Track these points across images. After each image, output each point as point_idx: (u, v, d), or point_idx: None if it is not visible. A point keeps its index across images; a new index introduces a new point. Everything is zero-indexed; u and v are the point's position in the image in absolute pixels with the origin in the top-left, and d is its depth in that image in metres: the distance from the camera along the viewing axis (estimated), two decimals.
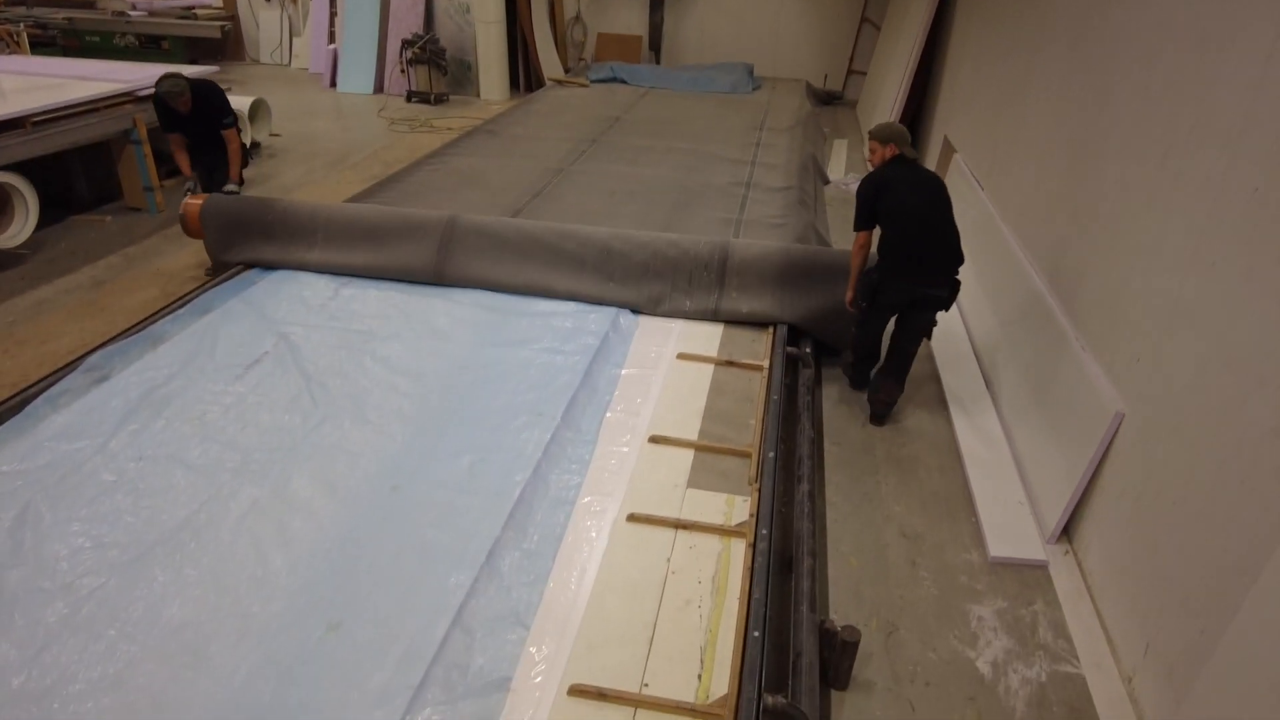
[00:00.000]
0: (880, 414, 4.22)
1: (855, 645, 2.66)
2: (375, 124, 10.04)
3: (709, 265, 4.62)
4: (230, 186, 5.58)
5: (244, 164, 6.07)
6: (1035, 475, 3.73)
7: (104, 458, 3.28)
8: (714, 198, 6.29)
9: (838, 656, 2.68)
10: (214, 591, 2.66)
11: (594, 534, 2.99)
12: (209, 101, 5.45)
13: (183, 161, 5.48)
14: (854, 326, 4.29)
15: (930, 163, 7.92)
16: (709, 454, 3.47)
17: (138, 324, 4.36)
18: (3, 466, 3.20)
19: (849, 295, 4.13)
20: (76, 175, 6.64)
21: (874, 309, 4.07)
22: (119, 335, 4.24)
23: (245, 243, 5.05)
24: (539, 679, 2.40)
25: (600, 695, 2.33)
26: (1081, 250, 3.87)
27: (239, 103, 7.74)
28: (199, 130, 5.50)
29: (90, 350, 4.03)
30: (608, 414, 3.72)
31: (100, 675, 2.37)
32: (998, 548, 3.39)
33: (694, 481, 3.30)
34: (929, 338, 4.09)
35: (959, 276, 3.93)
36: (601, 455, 3.43)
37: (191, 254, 5.76)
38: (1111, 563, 3.13)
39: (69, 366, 3.89)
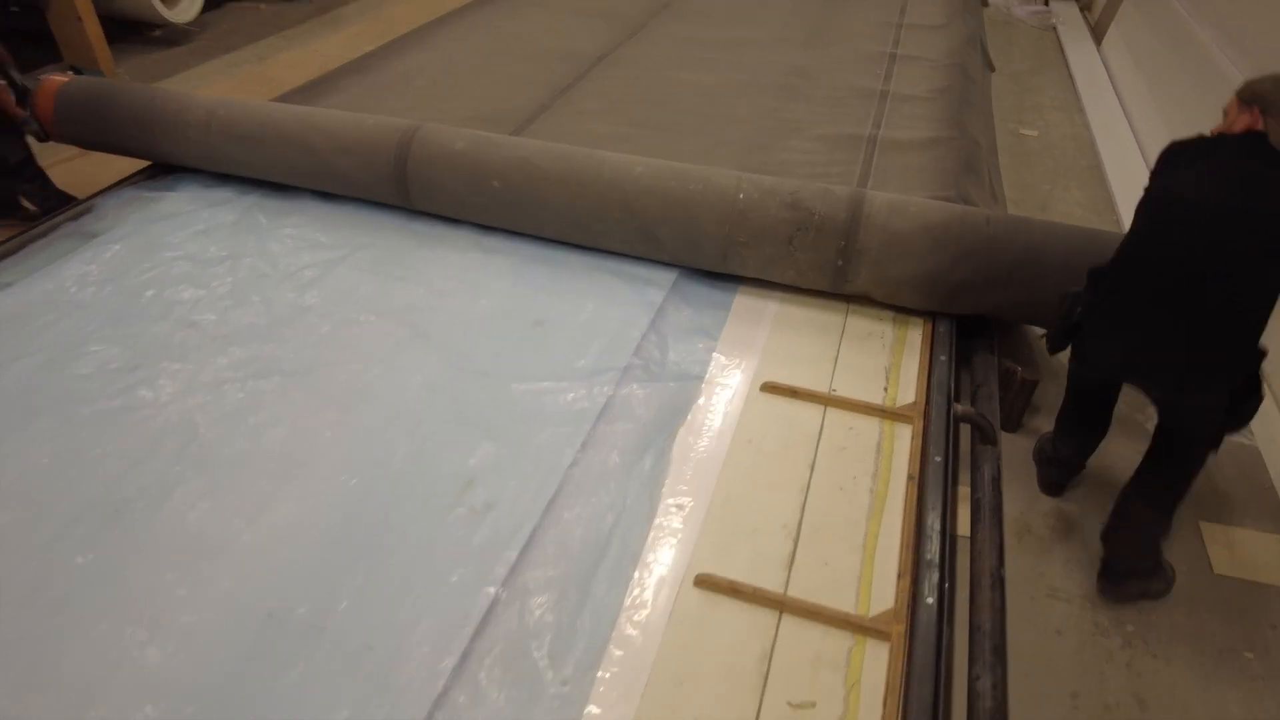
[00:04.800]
0: (1117, 570, 2.46)
1: (1034, 386, 2.71)
2: None
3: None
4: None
5: None
6: None
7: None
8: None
9: (1013, 396, 2.73)
10: (423, 287, 2.86)
11: None
12: None
13: None
14: None
15: None
16: None
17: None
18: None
19: None
20: None
21: (1075, 361, 2.49)
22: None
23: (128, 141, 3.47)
24: (729, 377, 2.54)
25: (792, 392, 2.45)
26: None
27: None
28: None
29: None
30: None
31: (328, 341, 2.62)
32: None
33: None
34: (1214, 449, 2.22)
35: (1257, 371, 2.11)
36: None
37: (349, 38, 5.87)
38: None
39: None
